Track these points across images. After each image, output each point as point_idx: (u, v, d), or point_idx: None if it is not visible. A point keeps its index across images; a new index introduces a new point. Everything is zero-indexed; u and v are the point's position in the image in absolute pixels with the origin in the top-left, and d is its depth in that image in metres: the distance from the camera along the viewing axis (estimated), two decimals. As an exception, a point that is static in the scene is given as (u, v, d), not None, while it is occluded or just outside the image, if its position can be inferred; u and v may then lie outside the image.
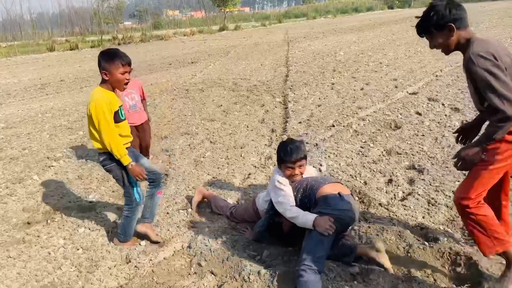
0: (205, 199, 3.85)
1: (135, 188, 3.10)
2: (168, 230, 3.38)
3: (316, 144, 5.18)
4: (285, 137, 5.66)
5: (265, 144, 5.48)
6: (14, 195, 4.43)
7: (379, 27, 25.53)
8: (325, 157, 4.70)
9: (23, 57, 27.71)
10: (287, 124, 6.26)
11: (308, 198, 2.79)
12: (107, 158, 3.00)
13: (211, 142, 5.86)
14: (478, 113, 2.58)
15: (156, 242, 3.23)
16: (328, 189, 2.76)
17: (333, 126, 5.90)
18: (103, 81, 2.91)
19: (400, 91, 7.80)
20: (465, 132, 2.70)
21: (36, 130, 7.52)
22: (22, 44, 35.59)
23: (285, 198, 2.81)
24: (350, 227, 2.97)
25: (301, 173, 2.96)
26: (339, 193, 2.72)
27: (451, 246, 2.79)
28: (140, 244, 3.22)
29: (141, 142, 4.95)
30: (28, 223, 3.77)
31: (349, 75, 10.04)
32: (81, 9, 66.56)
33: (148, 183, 3.25)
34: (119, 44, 31.92)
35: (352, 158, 4.63)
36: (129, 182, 3.06)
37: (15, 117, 8.92)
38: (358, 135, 5.42)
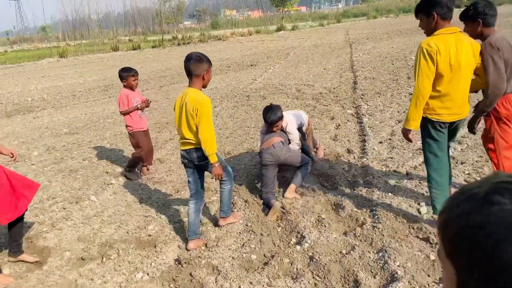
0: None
1: (227, 165, 3.50)
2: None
3: (407, 174, 4.39)
4: (365, 160, 4.92)
5: (344, 169, 4.76)
6: (70, 219, 4.09)
7: (450, 28, 23.56)
8: (422, 193, 3.90)
9: (89, 56, 28.92)
10: (366, 144, 5.48)
11: None
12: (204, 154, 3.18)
13: (279, 162, 5.25)
14: None
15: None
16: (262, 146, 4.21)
17: (422, 149, 5.05)
18: (197, 82, 3.15)
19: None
20: None
21: (97, 137, 7.33)
22: (89, 43, 37.37)
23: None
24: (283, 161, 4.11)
25: (277, 129, 4.19)
26: (260, 150, 4.21)
27: None
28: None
29: (148, 147, 5.15)
30: (82, 258, 3.36)
31: (428, 84, 8.99)
32: (144, 9, 69.23)
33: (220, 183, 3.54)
34: (178, 44, 32.48)
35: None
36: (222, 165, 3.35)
37: (78, 122, 8.88)
38: (458, 163, 4.55)
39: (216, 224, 3.76)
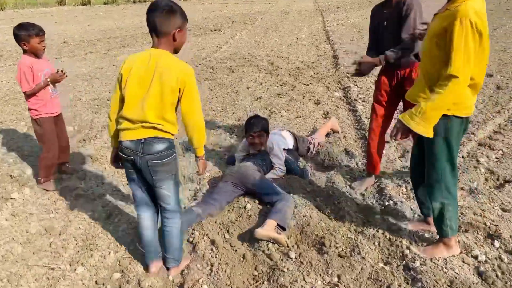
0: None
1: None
2: None
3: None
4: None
5: (348, 184, 3.46)
6: None
7: None
8: (476, 235, 2.69)
9: (31, 10, 25.67)
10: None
11: None
12: (169, 148, 2.24)
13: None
14: None
15: None
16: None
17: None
18: (165, 43, 2.15)
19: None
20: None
21: (12, 117, 5.59)
22: (32, -5, 33.35)
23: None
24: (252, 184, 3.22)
25: (260, 143, 3.59)
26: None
27: None
28: None
29: (60, 140, 3.61)
30: None
31: (420, 63, 7.83)
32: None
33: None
34: (134, 1, 29.58)
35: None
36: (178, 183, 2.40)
37: (-6, 92, 6.98)
38: (500, 179, 3.37)
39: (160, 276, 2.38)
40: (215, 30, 14.37)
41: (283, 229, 2.75)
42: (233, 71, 7.89)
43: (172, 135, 2.22)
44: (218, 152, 4.25)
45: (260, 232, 2.61)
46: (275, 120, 5.02)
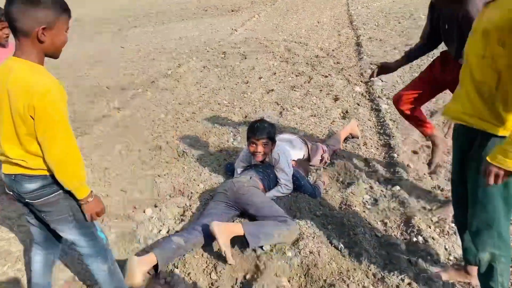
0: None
1: (96, 226, 1.95)
2: None
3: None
4: (398, 190, 3.07)
5: (366, 207, 2.89)
6: None
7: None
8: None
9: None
10: (393, 153, 3.59)
11: None
12: (45, 186, 1.68)
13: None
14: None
15: None
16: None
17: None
18: (28, 47, 1.54)
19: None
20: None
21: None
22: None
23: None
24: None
25: (264, 152, 2.99)
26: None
27: None
28: None
29: None
30: None
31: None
32: None
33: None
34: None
35: None
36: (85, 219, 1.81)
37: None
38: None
39: None
40: (232, 10, 13.68)
41: (248, 245, 2.36)
42: (246, 58, 7.28)
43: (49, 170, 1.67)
44: (218, 156, 3.72)
45: (216, 227, 2.30)
46: (286, 119, 4.44)
